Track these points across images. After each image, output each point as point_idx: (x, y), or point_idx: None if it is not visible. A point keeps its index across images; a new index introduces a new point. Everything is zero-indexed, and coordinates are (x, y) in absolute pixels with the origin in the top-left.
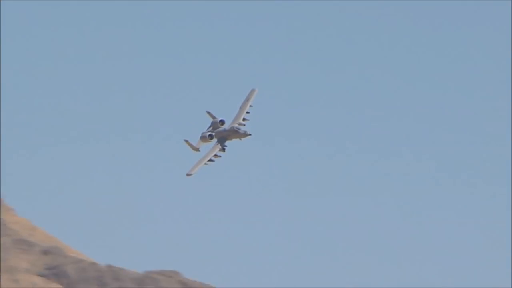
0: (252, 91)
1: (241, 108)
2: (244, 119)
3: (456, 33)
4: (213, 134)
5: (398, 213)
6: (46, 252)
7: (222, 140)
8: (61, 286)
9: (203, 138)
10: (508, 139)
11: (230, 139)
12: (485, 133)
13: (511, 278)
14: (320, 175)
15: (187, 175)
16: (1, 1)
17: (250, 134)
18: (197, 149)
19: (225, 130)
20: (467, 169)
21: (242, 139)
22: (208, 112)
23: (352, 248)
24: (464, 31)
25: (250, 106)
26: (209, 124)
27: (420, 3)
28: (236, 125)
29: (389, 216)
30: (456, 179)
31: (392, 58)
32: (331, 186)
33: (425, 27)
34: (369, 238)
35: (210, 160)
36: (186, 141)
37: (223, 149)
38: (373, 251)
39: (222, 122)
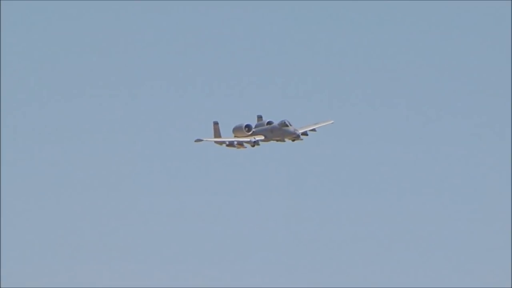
0: (327, 120)
1: (303, 127)
2: (302, 133)
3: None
4: (251, 125)
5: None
6: None
7: (260, 136)
8: None
9: (237, 129)
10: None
11: (269, 139)
12: None
13: (511, 278)
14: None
15: (196, 140)
16: (1, 0)
17: (298, 135)
18: (218, 136)
19: (270, 127)
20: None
21: (286, 139)
22: (259, 117)
23: (353, 246)
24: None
25: (314, 130)
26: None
27: None
28: (288, 120)
29: (387, 215)
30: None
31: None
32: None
33: None
34: (369, 238)
35: (230, 143)
36: (216, 123)
37: (253, 144)
38: (371, 250)
39: (269, 123)
